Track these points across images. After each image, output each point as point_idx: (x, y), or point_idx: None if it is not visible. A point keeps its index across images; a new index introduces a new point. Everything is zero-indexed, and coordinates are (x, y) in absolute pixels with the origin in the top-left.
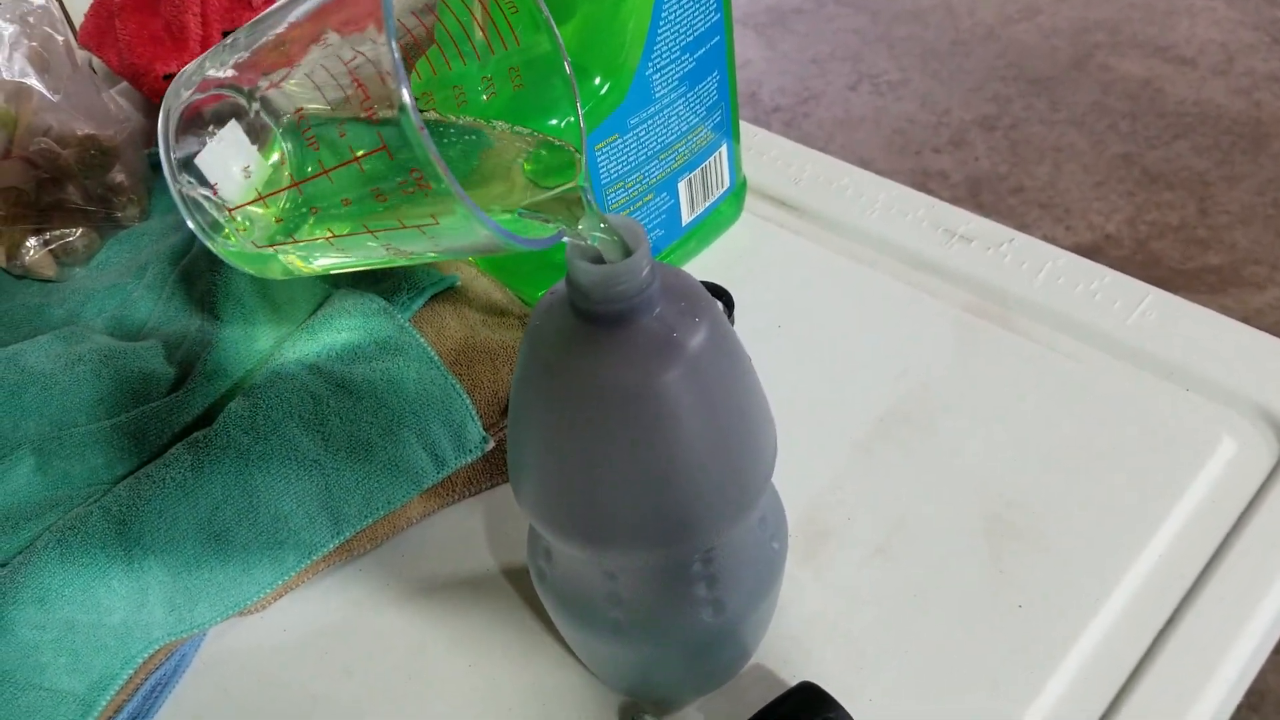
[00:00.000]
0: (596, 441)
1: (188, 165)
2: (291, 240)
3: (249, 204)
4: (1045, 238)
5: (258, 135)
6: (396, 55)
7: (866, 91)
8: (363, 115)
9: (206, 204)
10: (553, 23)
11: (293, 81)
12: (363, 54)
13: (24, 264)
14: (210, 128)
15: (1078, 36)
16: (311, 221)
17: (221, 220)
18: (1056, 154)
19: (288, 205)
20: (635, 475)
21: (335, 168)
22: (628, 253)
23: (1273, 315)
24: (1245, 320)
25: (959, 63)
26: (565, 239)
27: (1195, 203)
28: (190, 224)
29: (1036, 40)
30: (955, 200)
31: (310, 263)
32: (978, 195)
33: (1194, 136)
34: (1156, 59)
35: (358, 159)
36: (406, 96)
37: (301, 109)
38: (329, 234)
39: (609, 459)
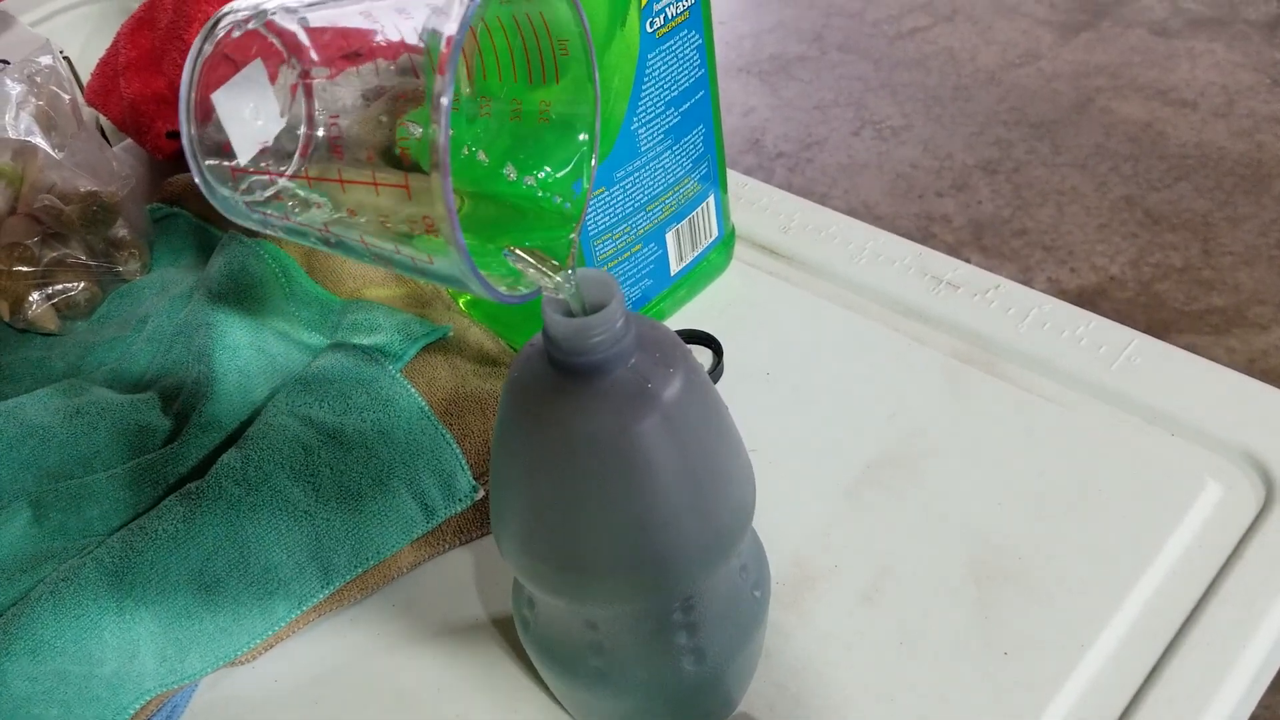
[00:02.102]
0: (573, 491)
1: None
2: (283, 217)
3: (251, 170)
4: (1049, 280)
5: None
6: (445, 139)
7: (869, 137)
8: (395, 150)
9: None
10: (597, 81)
11: (342, 84)
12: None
13: (27, 318)
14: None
15: (1079, 80)
16: (311, 211)
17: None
18: (1059, 197)
19: (293, 189)
20: (611, 524)
21: (351, 181)
22: (589, 310)
23: (1278, 356)
24: (1250, 361)
25: (961, 107)
26: (541, 292)
27: (1199, 244)
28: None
29: (1038, 85)
30: (959, 244)
31: (288, 238)
32: (981, 239)
33: (1196, 178)
34: (1157, 102)
35: (376, 184)
36: (447, 208)
37: (336, 117)
38: (323, 228)
39: (585, 508)
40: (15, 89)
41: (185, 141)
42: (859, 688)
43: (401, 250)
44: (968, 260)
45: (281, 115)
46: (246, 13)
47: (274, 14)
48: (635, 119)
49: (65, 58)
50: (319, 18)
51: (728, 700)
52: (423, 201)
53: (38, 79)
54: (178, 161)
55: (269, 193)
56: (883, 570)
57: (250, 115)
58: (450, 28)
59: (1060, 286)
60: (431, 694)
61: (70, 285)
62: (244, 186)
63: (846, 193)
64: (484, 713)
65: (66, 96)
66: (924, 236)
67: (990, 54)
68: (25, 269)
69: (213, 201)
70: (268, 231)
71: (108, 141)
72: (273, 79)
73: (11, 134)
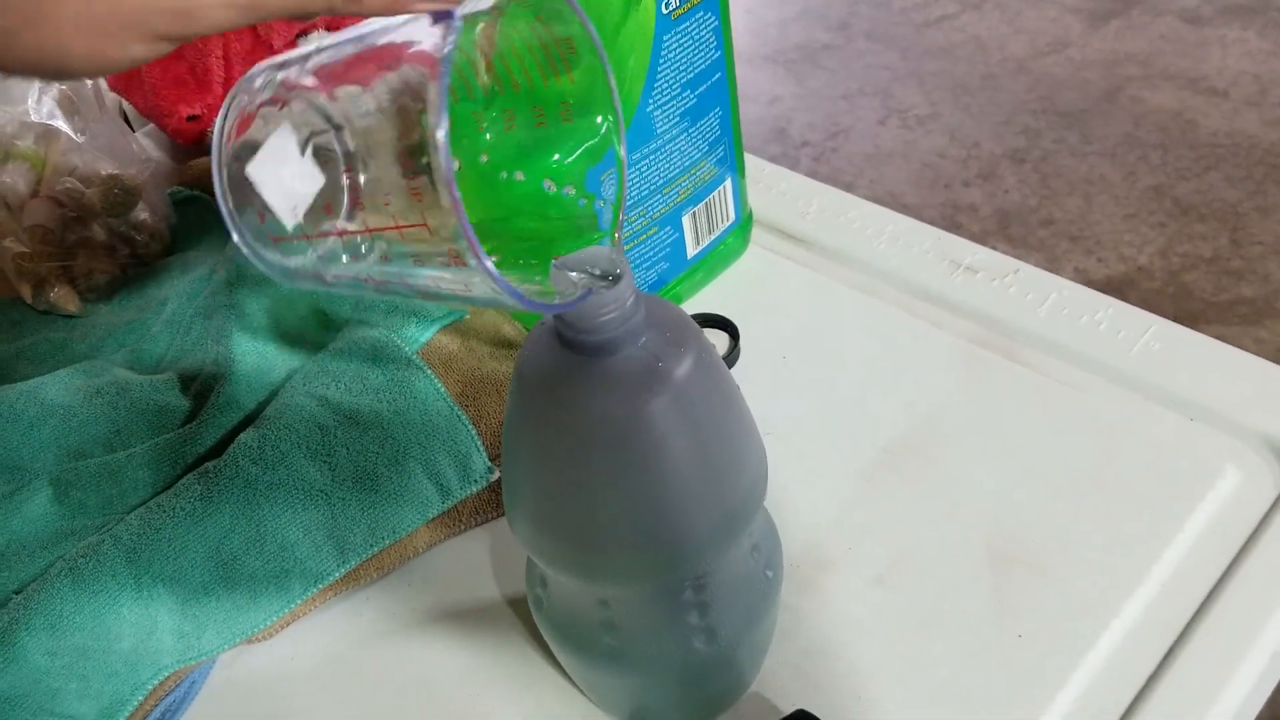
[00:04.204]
0: (584, 470)
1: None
2: (331, 274)
3: (293, 236)
4: (1076, 270)
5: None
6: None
7: (896, 126)
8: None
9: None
10: (610, 74)
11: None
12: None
13: (49, 300)
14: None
15: (1109, 69)
16: (357, 264)
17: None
18: (1087, 186)
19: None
20: (623, 502)
21: (379, 229)
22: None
23: None
24: None
25: (989, 96)
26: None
27: (1228, 234)
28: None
29: (1067, 73)
30: (985, 233)
31: (347, 293)
32: (1007, 228)
33: (1226, 168)
34: (1188, 91)
35: (399, 228)
36: (470, 241)
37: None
38: (369, 279)
39: (597, 487)
40: None
41: (225, 217)
42: (872, 670)
43: (443, 285)
44: (994, 250)
45: (313, 179)
46: (262, 80)
47: (287, 72)
48: (651, 101)
49: None
50: (325, 68)
51: (740, 680)
52: (444, 236)
53: None
54: (198, 145)
55: (316, 254)
56: (897, 554)
57: (284, 183)
58: (435, 71)
59: (1087, 276)
60: (446, 673)
61: (92, 267)
62: (288, 252)
63: (872, 182)
64: (499, 692)
65: (89, 82)
66: (950, 226)
67: (1019, 42)
68: (47, 251)
69: (259, 266)
70: (321, 289)
71: (129, 126)
72: (299, 140)
73: (34, 118)
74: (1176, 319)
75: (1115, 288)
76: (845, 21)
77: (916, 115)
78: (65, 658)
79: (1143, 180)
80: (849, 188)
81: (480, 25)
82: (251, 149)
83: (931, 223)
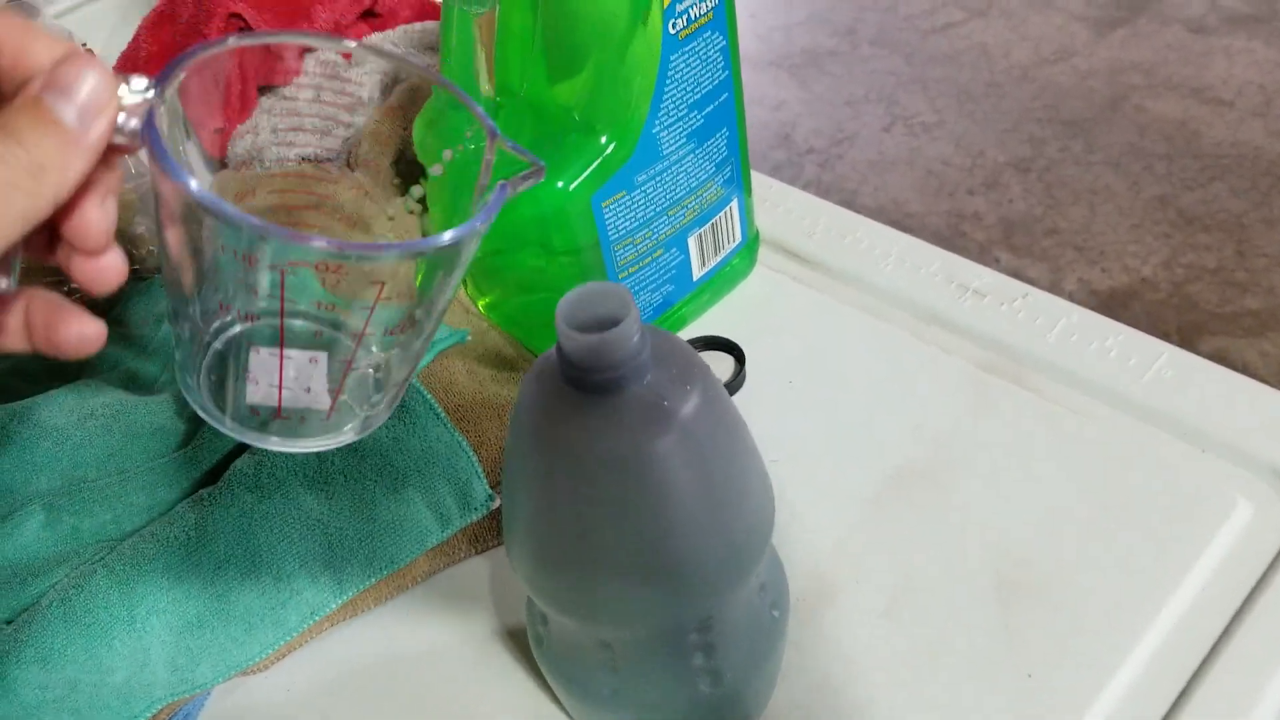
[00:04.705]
0: (587, 511)
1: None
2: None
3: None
4: (1080, 280)
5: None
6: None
7: (900, 133)
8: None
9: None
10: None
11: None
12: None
13: None
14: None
15: (1113, 78)
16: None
17: None
18: (1092, 196)
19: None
20: (627, 545)
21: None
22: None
23: None
24: None
25: (994, 104)
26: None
27: (1233, 245)
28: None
29: (1072, 82)
30: (989, 242)
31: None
32: (1011, 237)
33: (1231, 178)
34: (1193, 100)
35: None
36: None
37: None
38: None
39: (600, 528)
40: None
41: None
42: (878, 707)
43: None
44: (997, 260)
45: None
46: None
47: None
48: (657, 122)
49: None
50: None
51: (745, 718)
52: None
53: None
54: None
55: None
56: (904, 584)
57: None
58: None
59: (1091, 287)
60: (443, 707)
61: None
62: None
63: (876, 190)
64: None
65: None
66: (954, 235)
67: (1024, 50)
68: (40, 264)
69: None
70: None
71: None
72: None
73: None
74: (1180, 331)
75: (1119, 299)
76: (851, 27)
77: (922, 122)
78: (56, 691)
79: (1147, 190)
80: (854, 195)
81: (480, 14)
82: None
83: (936, 231)
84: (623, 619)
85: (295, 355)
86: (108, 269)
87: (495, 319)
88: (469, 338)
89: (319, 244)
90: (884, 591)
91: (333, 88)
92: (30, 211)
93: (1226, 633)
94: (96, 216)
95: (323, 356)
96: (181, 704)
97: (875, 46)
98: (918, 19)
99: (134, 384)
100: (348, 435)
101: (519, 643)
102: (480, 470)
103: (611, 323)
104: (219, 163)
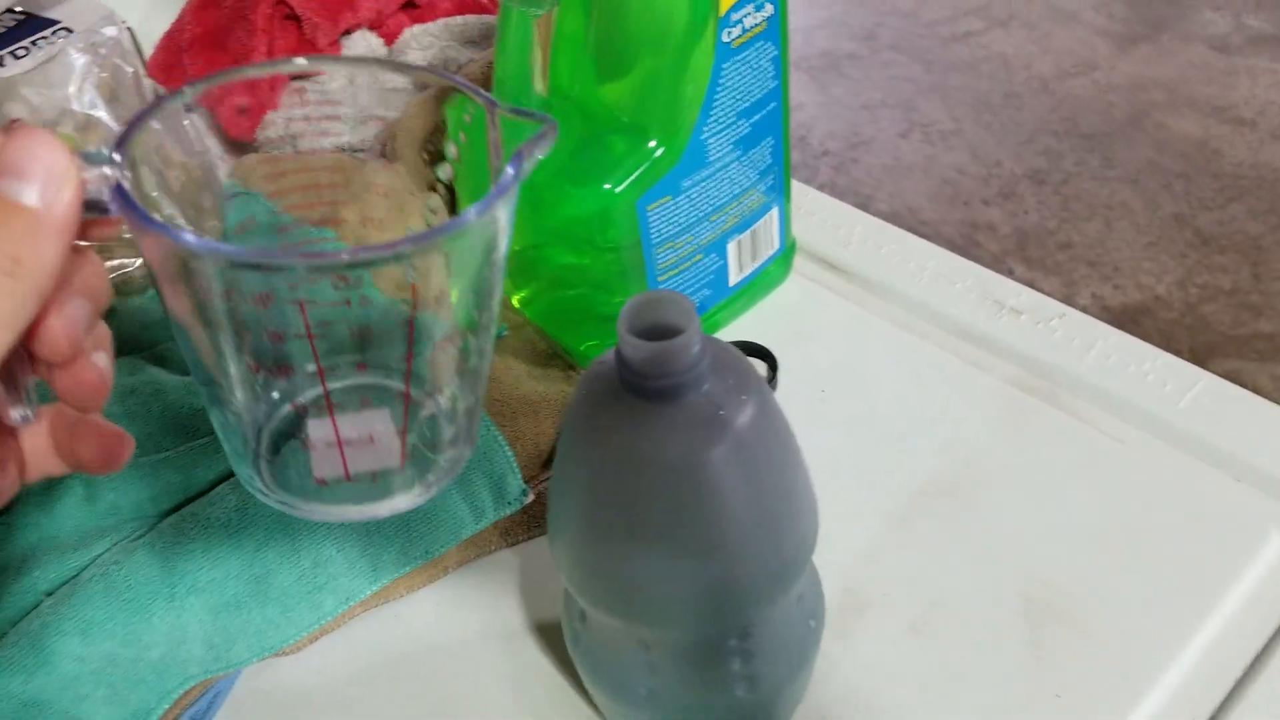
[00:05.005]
0: (638, 514)
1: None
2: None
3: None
4: (1093, 296)
5: None
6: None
7: (917, 140)
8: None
9: None
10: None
11: None
12: None
13: None
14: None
15: (1134, 94)
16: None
17: None
18: (1108, 211)
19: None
20: (675, 550)
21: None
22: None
23: None
24: None
25: (1012, 115)
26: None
27: (1249, 267)
28: None
29: (1092, 95)
30: (1003, 253)
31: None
32: (1025, 249)
33: (1250, 200)
34: (1214, 119)
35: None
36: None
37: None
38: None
39: (650, 532)
40: (79, 60)
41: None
42: (905, 717)
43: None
44: (1011, 271)
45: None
46: None
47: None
48: (706, 128)
49: (127, 28)
50: None
51: None
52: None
53: (101, 50)
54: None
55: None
56: (932, 602)
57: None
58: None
59: (1104, 303)
60: (471, 697)
61: (127, 261)
62: None
63: (891, 196)
64: (525, 718)
65: (129, 69)
66: (968, 244)
67: (1045, 62)
68: (83, 244)
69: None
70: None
71: None
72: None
73: (76, 107)
74: (1192, 351)
75: (1131, 316)
76: (871, 31)
77: (939, 130)
78: (94, 664)
79: (1164, 208)
80: (868, 200)
81: (539, 16)
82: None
83: (949, 240)
84: (665, 621)
85: (345, 406)
86: (83, 381)
87: (530, 314)
88: (506, 333)
89: (313, 258)
90: (913, 606)
91: (369, 77)
92: (15, 316)
93: (1256, 663)
94: (52, 319)
95: (375, 402)
96: (213, 682)
97: (895, 52)
98: (939, 26)
99: (169, 362)
100: (433, 484)
101: (546, 636)
102: (516, 466)
103: (673, 331)
104: (241, 145)
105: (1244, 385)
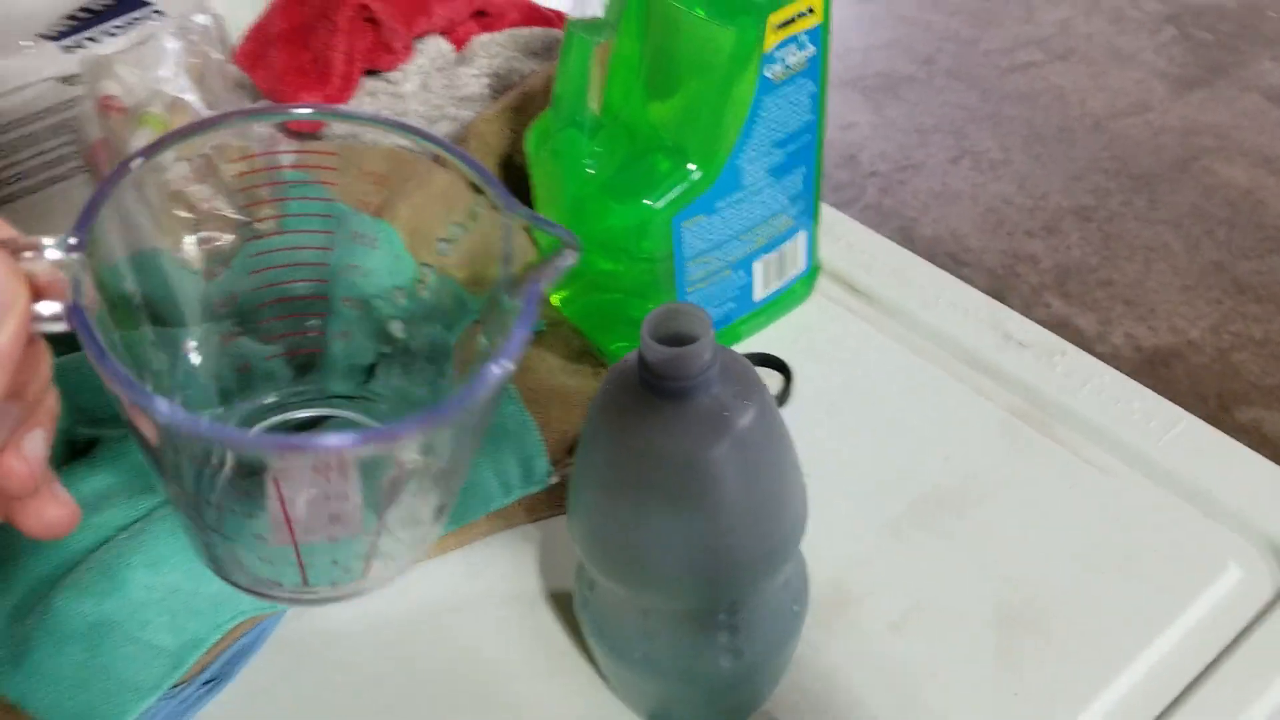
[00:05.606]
0: (648, 496)
1: None
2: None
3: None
4: (1126, 335)
5: None
6: None
7: (967, 167)
8: None
9: None
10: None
11: None
12: None
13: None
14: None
15: (1185, 138)
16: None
17: None
18: (1149, 252)
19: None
20: (677, 531)
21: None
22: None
23: None
24: None
25: (1063, 150)
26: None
27: None
28: None
29: (1144, 136)
30: (1042, 286)
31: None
32: (1065, 284)
33: None
34: (1263, 169)
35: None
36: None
37: None
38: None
39: (657, 513)
40: (173, 45)
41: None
42: (876, 704)
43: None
44: (1048, 305)
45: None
46: None
47: None
48: (743, 155)
49: (215, 17)
50: None
51: (755, 696)
52: None
53: (193, 37)
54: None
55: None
56: (914, 603)
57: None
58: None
59: (1137, 343)
60: (489, 653)
61: (215, 235)
62: None
63: (936, 221)
64: (534, 673)
65: (217, 57)
66: (1008, 274)
67: (1100, 99)
68: (184, 215)
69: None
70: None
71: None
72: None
73: (168, 89)
74: (1219, 397)
75: (1162, 357)
76: (930, 56)
77: (989, 159)
78: (159, 593)
79: (1205, 254)
80: (913, 223)
81: (599, 43)
82: None
83: (990, 269)
84: (665, 591)
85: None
86: (44, 514)
87: (568, 313)
88: (544, 329)
89: (289, 449)
90: (895, 607)
91: (441, 80)
92: None
93: (1198, 680)
94: (12, 462)
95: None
96: (260, 619)
97: (951, 78)
98: (997, 55)
99: None
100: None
101: (558, 603)
102: (544, 449)
103: (689, 339)
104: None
105: (1267, 434)
